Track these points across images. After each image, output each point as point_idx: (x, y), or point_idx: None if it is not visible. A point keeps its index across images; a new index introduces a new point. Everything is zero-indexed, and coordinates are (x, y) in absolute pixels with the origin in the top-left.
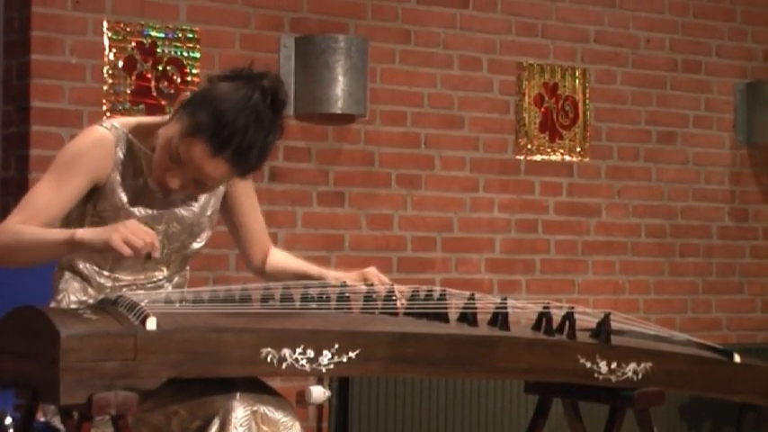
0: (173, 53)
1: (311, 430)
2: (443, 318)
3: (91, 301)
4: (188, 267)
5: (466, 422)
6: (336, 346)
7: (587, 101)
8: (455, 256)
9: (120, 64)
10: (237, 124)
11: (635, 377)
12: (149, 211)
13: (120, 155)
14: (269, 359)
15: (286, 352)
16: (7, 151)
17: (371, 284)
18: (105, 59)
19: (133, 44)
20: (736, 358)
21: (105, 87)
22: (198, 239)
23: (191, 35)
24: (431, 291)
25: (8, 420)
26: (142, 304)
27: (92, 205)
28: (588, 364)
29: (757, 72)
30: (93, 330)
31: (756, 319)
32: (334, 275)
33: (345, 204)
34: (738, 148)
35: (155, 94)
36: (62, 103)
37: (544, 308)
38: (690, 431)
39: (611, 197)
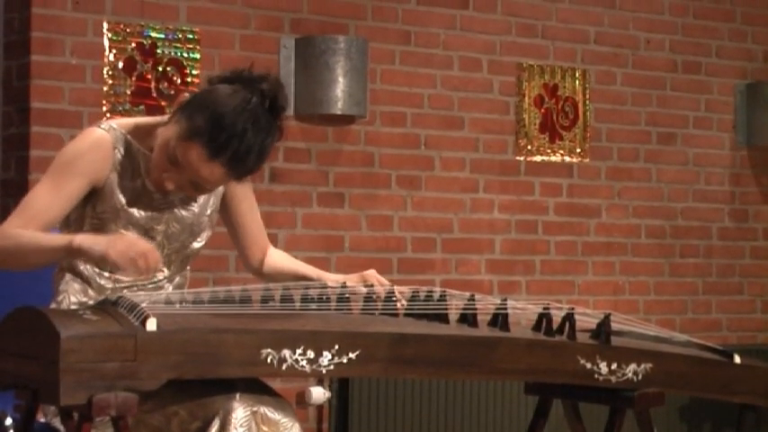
0: (173, 54)
1: (311, 431)
2: (443, 319)
3: (91, 302)
4: (189, 267)
5: (466, 423)
6: (336, 346)
7: (587, 102)
8: (455, 256)
9: (120, 65)
10: (235, 128)
11: (635, 378)
12: (148, 212)
13: (119, 156)
14: (269, 360)
15: (286, 353)
16: (7, 152)
17: (371, 285)
18: (105, 60)
19: (133, 45)
20: (736, 359)
21: (105, 88)
22: (198, 239)
23: (191, 36)
24: (431, 292)
25: (8, 421)
26: (142, 305)
27: (91, 207)
28: (588, 365)
29: (757, 73)
30: (93, 331)
31: (756, 319)
32: (332, 278)
33: (345, 205)
34: (738, 149)
35: (155, 94)
36: (62, 104)
37: (544, 309)
38: None
39: (611, 198)
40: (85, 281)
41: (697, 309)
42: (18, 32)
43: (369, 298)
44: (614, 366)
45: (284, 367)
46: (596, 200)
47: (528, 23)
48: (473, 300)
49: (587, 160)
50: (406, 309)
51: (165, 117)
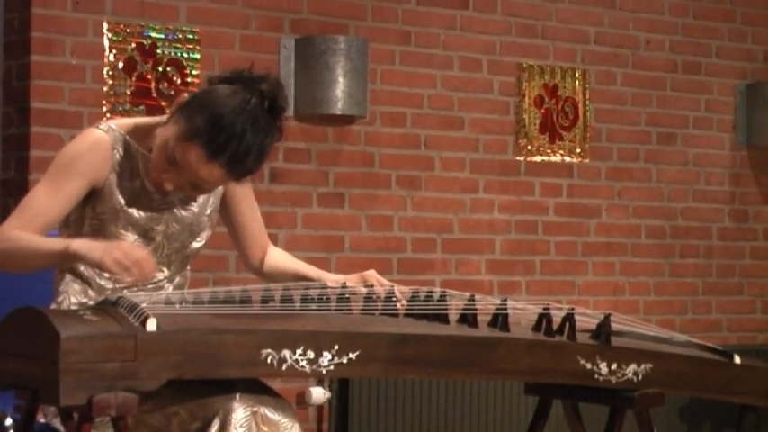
0: (173, 54)
1: (311, 431)
2: (443, 319)
3: (91, 302)
4: (189, 267)
5: (466, 423)
6: (336, 347)
7: (587, 102)
8: (455, 257)
9: (121, 65)
10: (234, 129)
11: (635, 378)
12: (147, 213)
13: (117, 157)
14: (269, 360)
15: (286, 353)
16: (7, 152)
17: (371, 286)
18: (105, 60)
19: (133, 45)
20: (736, 359)
21: (105, 88)
22: (198, 239)
23: (191, 36)
24: (431, 292)
25: (8, 421)
26: (142, 305)
27: (91, 208)
28: (588, 366)
29: (757, 73)
30: (93, 331)
31: (756, 320)
32: (332, 278)
33: (345, 205)
34: (738, 150)
35: (155, 95)
36: (62, 105)
37: (544, 309)
38: None
39: (611, 198)
40: (85, 281)
41: (697, 309)
42: (18, 32)
43: (369, 298)
44: (614, 366)
45: (284, 367)
46: (596, 200)
47: (528, 24)
48: (473, 300)
49: (587, 160)
50: (406, 309)
51: (165, 117)
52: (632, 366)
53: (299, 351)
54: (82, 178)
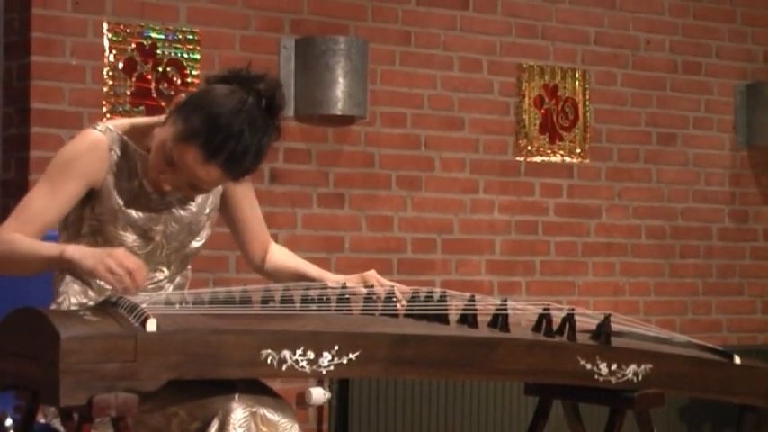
0: (173, 55)
1: (311, 431)
2: (443, 319)
3: (91, 303)
4: (189, 267)
5: (466, 424)
6: (336, 347)
7: (587, 102)
8: (455, 257)
9: (121, 65)
10: (231, 130)
11: (635, 379)
12: (146, 213)
13: (115, 157)
14: (269, 361)
15: (286, 353)
16: (7, 153)
17: (371, 286)
18: (105, 61)
19: (133, 45)
20: (737, 360)
21: (105, 89)
22: (197, 238)
23: (191, 37)
24: (431, 292)
25: (8, 422)
26: (142, 306)
27: (89, 209)
28: (588, 366)
29: (757, 73)
30: (93, 332)
31: (756, 320)
32: (333, 278)
33: (345, 206)
34: (738, 150)
35: (155, 95)
36: (62, 105)
37: (544, 309)
38: None
39: (612, 199)
40: (85, 282)
41: (697, 309)
42: (18, 33)
43: (369, 299)
44: (614, 367)
45: (284, 368)
46: (596, 200)
47: (528, 24)
48: (473, 300)
49: (587, 161)
50: (406, 309)
51: (162, 117)
52: (632, 367)
53: (299, 351)
54: (79, 179)
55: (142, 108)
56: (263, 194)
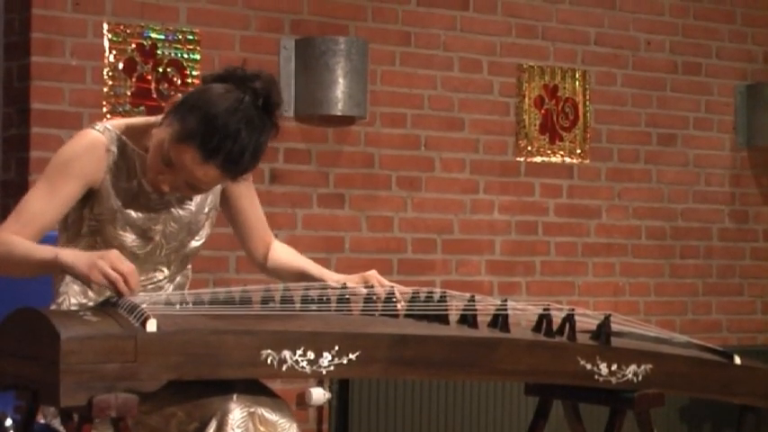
0: (173, 55)
1: None
2: (444, 320)
3: (91, 303)
4: (190, 266)
5: (466, 424)
6: (336, 347)
7: (587, 103)
8: (455, 257)
9: (121, 66)
10: (228, 129)
11: (635, 379)
12: (145, 213)
13: (113, 157)
14: (269, 361)
15: (286, 354)
16: (7, 153)
17: (372, 287)
18: (105, 61)
19: (133, 46)
20: (737, 360)
21: (105, 89)
22: (197, 237)
23: (191, 37)
24: (431, 292)
25: (8, 422)
26: (142, 306)
27: (89, 209)
28: (588, 366)
29: (757, 74)
30: (93, 332)
31: (756, 320)
32: (334, 277)
33: (345, 206)
34: (738, 150)
35: (155, 95)
36: (62, 105)
37: (544, 310)
38: None
39: (612, 199)
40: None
41: (697, 310)
42: (18, 33)
43: (369, 299)
44: (614, 367)
45: (284, 368)
46: (596, 201)
47: (528, 24)
48: (473, 301)
49: (587, 161)
50: (406, 310)
51: (160, 117)
52: (632, 367)
53: (299, 352)
54: (78, 180)
55: (142, 108)
56: (263, 195)
